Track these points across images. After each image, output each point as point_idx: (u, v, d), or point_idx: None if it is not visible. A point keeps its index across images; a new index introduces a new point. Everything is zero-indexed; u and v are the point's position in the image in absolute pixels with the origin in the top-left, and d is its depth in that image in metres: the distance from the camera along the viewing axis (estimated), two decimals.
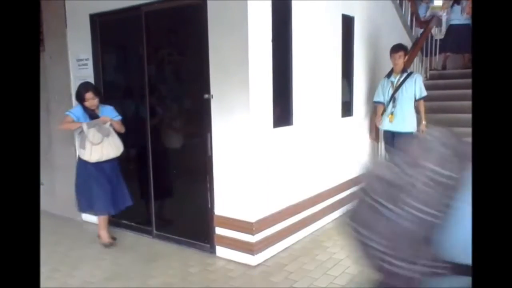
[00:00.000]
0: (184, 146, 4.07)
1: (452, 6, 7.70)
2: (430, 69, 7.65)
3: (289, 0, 3.74)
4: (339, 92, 4.69)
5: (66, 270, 3.59)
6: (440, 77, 7.47)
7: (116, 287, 3.28)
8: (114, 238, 4.18)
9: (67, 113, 4.00)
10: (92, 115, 3.87)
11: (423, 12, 8.12)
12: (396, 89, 4.75)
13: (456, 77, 7.15)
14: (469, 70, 6.93)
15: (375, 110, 5.14)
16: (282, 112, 3.80)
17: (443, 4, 8.17)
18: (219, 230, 3.74)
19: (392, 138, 4.85)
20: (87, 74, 4.56)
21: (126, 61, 4.70)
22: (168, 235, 4.15)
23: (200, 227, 3.92)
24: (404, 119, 4.72)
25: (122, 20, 4.30)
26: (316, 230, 4.33)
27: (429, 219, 0.72)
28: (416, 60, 6.62)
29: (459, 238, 0.78)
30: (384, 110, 4.91)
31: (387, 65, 4.80)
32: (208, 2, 3.47)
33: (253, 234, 3.53)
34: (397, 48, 4.75)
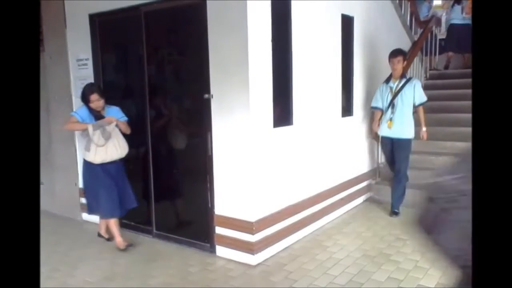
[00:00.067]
0: (184, 146, 4.06)
1: (452, 5, 7.70)
2: (430, 69, 7.66)
3: (288, 0, 3.74)
4: (339, 92, 4.69)
5: (66, 270, 3.59)
6: (440, 77, 7.48)
7: (116, 287, 3.28)
8: (111, 238, 4.18)
9: (72, 113, 3.98)
10: (97, 116, 3.83)
11: (425, 12, 8.12)
12: (395, 95, 4.69)
13: (456, 77, 7.16)
14: (469, 70, 6.94)
15: (373, 115, 5.11)
16: (282, 112, 3.80)
17: (443, 4, 8.18)
18: (219, 230, 3.74)
19: (390, 144, 4.81)
20: (87, 74, 4.56)
21: (126, 61, 4.70)
22: (168, 234, 4.15)
23: (200, 226, 3.92)
24: (403, 125, 4.67)
25: (122, 20, 4.30)
26: (316, 230, 4.34)
27: None
28: (416, 60, 6.62)
29: None
30: (382, 116, 4.86)
31: (387, 64, 4.79)
32: (208, 2, 3.47)
33: (253, 234, 3.53)
34: (396, 53, 4.68)
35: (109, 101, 3.98)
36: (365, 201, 5.39)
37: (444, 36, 7.96)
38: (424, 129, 4.77)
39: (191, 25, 3.76)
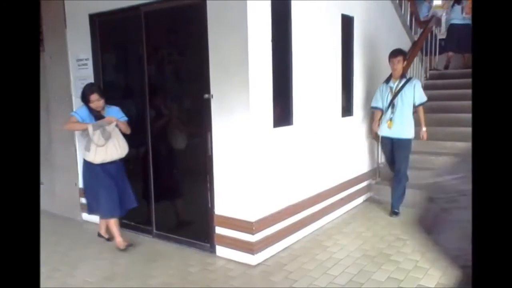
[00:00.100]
0: (184, 146, 4.06)
1: (452, 5, 7.70)
2: (430, 69, 7.66)
3: (288, 0, 3.74)
4: (339, 92, 4.69)
5: (66, 270, 3.59)
6: (440, 77, 7.49)
7: (116, 287, 3.28)
8: (111, 238, 4.18)
9: (72, 113, 3.97)
10: (97, 116, 3.83)
11: (425, 12, 8.12)
12: (395, 95, 4.68)
13: (456, 77, 7.16)
14: (469, 70, 6.94)
15: (373, 115, 5.11)
16: (282, 112, 3.80)
17: (443, 4, 8.18)
18: (219, 230, 3.74)
19: (390, 144, 4.80)
20: (87, 74, 4.56)
21: (126, 61, 4.70)
22: (168, 234, 4.15)
23: (200, 226, 3.92)
24: (403, 125, 4.66)
25: (122, 20, 4.30)
26: (315, 230, 4.34)
27: None
28: (416, 59, 6.62)
29: None
30: (382, 116, 4.85)
31: (387, 64, 4.79)
32: (208, 2, 3.47)
33: (253, 234, 3.53)
34: (396, 53, 4.68)
35: (109, 101, 3.98)
36: (365, 201, 5.39)
37: (444, 36, 7.96)
38: (424, 129, 4.77)
39: (191, 25, 3.76)
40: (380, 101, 4.85)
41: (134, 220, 4.36)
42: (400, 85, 4.68)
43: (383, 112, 4.83)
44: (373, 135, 5.24)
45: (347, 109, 4.91)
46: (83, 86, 4.06)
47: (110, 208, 3.88)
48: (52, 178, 5.13)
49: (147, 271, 3.53)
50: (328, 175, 4.58)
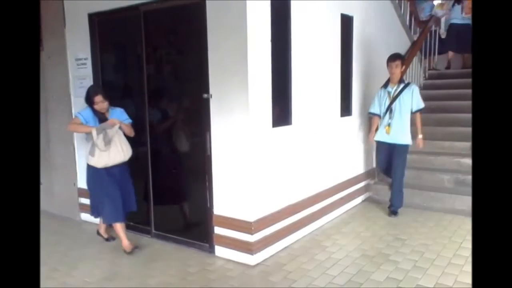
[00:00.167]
0: (183, 145, 4.06)
1: (453, 5, 7.71)
2: (429, 69, 7.67)
3: (288, 0, 3.74)
4: (338, 92, 4.69)
5: (65, 270, 3.58)
6: (439, 77, 7.50)
7: (115, 287, 3.28)
8: (113, 238, 4.18)
9: (76, 114, 3.91)
10: (101, 118, 3.79)
11: (427, 11, 8.12)
12: (393, 100, 4.65)
13: (455, 76, 7.17)
14: (468, 70, 6.95)
15: (370, 122, 5.09)
16: (281, 112, 3.80)
17: (443, 4, 8.18)
18: (218, 230, 3.74)
19: (387, 150, 4.78)
20: (86, 73, 4.56)
21: (125, 61, 4.69)
22: (167, 234, 4.15)
23: (199, 226, 3.92)
24: (402, 130, 4.63)
25: (121, 19, 4.30)
26: (315, 230, 4.34)
27: None
28: (415, 59, 6.63)
29: None
30: (379, 122, 4.83)
31: (386, 64, 4.79)
32: (207, 2, 3.47)
33: (252, 234, 3.53)
34: (394, 57, 4.66)
35: (109, 100, 3.97)
36: (364, 201, 5.39)
37: (443, 36, 7.97)
38: (420, 136, 4.73)
39: (190, 25, 3.76)
40: (378, 107, 4.81)
41: (133, 220, 4.36)
42: (399, 90, 4.65)
43: (380, 118, 4.82)
44: (371, 143, 5.19)
45: (346, 109, 4.91)
46: (82, 85, 4.05)
47: (114, 214, 3.85)
48: (50, 178, 5.13)
49: (146, 271, 3.53)
50: (327, 175, 4.58)
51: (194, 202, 4.04)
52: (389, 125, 4.67)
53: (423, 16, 7.90)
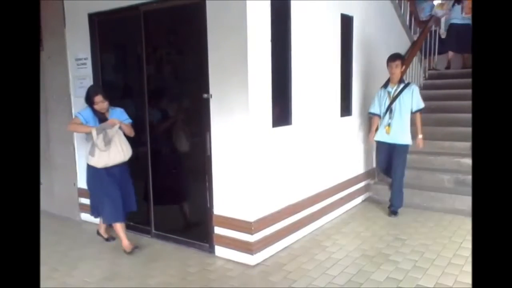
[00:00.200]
0: (183, 146, 4.06)
1: (453, 5, 7.71)
2: (429, 69, 7.67)
3: (288, 0, 3.74)
4: (338, 92, 4.69)
5: (65, 270, 3.58)
6: (439, 77, 7.50)
7: (115, 287, 3.28)
8: (113, 238, 4.18)
9: (76, 114, 3.90)
10: (101, 118, 3.78)
11: (428, 11, 8.13)
12: (393, 100, 4.65)
13: (454, 76, 7.17)
14: (468, 70, 6.96)
15: (370, 122, 5.08)
16: (281, 112, 3.80)
17: (443, 4, 8.19)
18: (218, 230, 3.74)
19: (387, 150, 4.78)
20: (86, 73, 4.56)
21: (125, 61, 4.69)
22: (167, 234, 4.15)
23: (199, 226, 3.92)
24: (402, 130, 4.63)
25: (121, 19, 4.30)
26: (315, 230, 4.34)
27: None
28: (415, 59, 6.63)
29: None
30: (379, 123, 4.83)
31: (386, 64, 4.79)
32: (207, 2, 3.47)
33: (252, 234, 3.53)
34: (394, 57, 4.65)
35: (109, 100, 3.97)
36: (364, 201, 5.39)
37: (444, 36, 7.97)
38: (420, 136, 4.72)
39: (190, 25, 3.76)
40: (378, 107, 4.81)
41: (133, 220, 4.36)
42: (398, 90, 4.65)
43: (380, 118, 4.82)
44: (371, 143, 5.17)
45: (346, 109, 4.91)
46: (82, 85, 4.04)
47: (114, 214, 3.85)
48: (50, 178, 5.13)
49: (146, 271, 3.53)
50: (327, 174, 4.58)
51: (194, 202, 4.04)
52: (389, 125, 4.67)
53: (423, 16, 7.90)
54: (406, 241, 4.00)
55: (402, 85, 4.66)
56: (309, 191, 4.24)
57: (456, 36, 7.44)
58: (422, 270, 3.40)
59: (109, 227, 4.15)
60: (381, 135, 4.78)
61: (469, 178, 4.80)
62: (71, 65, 4.72)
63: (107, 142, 3.71)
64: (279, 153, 3.78)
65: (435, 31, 7.69)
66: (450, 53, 7.71)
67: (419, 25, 7.39)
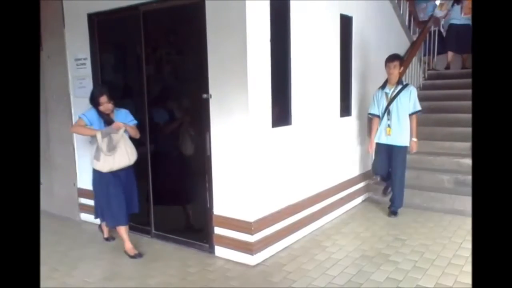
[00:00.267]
0: (188, 148, 4.04)
1: (452, 5, 7.71)
2: (429, 69, 7.67)
3: (287, 0, 3.74)
4: (338, 92, 4.69)
5: (65, 270, 3.58)
6: (439, 77, 7.50)
7: (115, 287, 3.28)
8: (113, 238, 4.18)
9: (80, 115, 3.80)
10: (107, 120, 3.73)
11: (430, 11, 8.13)
12: (391, 101, 4.62)
13: (454, 77, 7.17)
14: (467, 70, 6.95)
15: (370, 122, 5.05)
16: (281, 112, 3.80)
17: (443, 4, 8.19)
18: (218, 230, 3.74)
19: (386, 151, 4.75)
20: (85, 73, 4.56)
21: (124, 61, 4.69)
22: (167, 234, 4.15)
23: (199, 226, 3.92)
24: (401, 132, 4.61)
25: (120, 19, 4.30)
26: (315, 230, 4.34)
27: None
28: (415, 60, 6.64)
29: None
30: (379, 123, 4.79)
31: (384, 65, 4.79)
32: (207, 2, 3.47)
33: (252, 234, 3.53)
34: (392, 57, 4.63)
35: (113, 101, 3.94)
36: (363, 201, 5.39)
37: (443, 36, 7.97)
38: (414, 139, 4.67)
39: (190, 25, 3.76)
40: (377, 108, 4.78)
41: (134, 221, 4.35)
42: (396, 91, 4.63)
43: (380, 119, 4.79)
44: (371, 146, 4.96)
45: (345, 109, 4.91)
46: (81, 85, 4.03)
47: (118, 218, 3.82)
48: (50, 178, 5.13)
49: (146, 271, 3.53)
50: (327, 175, 4.58)
51: (194, 202, 4.04)
52: (389, 126, 4.66)
53: (424, 16, 7.90)
54: (406, 242, 4.01)
55: (400, 86, 4.64)
56: (309, 191, 4.24)
57: (456, 36, 7.44)
58: (422, 271, 3.40)
59: (113, 229, 4.14)
60: (381, 137, 4.76)
61: (469, 178, 4.80)
62: (70, 65, 4.72)
63: (112, 147, 3.65)
64: (278, 153, 3.78)
65: (435, 31, 7.69)
66: (450, 53, 7.71)
67: (418, 25, 7.39)
